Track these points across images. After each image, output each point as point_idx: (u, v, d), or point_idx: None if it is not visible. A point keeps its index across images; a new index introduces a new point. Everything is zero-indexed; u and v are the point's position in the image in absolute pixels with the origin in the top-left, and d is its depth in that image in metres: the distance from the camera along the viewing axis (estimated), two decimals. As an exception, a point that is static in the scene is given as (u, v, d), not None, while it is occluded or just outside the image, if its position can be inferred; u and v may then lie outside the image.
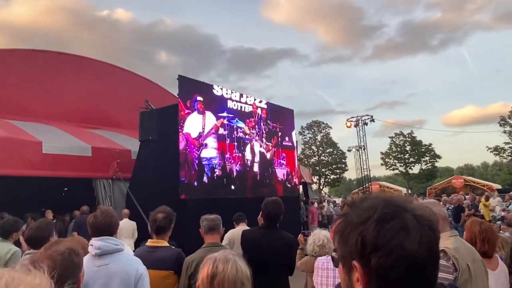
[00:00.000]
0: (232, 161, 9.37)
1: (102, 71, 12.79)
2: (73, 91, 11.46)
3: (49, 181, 9.19)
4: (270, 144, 10.94)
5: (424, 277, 0.78)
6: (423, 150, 42.13)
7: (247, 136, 10.03)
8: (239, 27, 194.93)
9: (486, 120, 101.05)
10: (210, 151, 8.72)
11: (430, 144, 42.42)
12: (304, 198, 15.76)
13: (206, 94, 8.96)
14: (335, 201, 20.05)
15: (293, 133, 12.41)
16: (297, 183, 12.61)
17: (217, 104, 9.23)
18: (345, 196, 26.10)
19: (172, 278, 3.03)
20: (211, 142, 8.82)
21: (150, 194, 7.80)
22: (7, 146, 7.80)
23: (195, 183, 8.23)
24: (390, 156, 43.52)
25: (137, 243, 7.06)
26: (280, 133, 11.46)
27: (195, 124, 8.45)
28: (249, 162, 9.99)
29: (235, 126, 9.63)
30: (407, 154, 42.63)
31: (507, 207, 13.00)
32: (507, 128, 35.92)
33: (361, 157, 26.92)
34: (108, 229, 2.51)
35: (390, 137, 44.38)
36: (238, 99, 9.93)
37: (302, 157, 43.06)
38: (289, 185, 11.58)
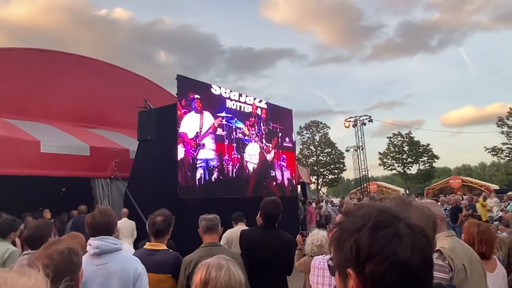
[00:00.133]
0: (231, 163, 9.17)
1: (100, 71, 12.75)
2: (71, 91, 11.43)
3: (47, 181, 9.16)
4: (270, 145, 10.77)
5: (418, 284, 0.79)
6: (421, 150, 42.23)
7: (246, 137, 9.87)
8: (238, 27, 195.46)
9: (484, 120, 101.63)
10: (207, 152, 8.57)
11: (428, 145, 42.57)
12: (302, 198, 15.76)
13: (205, 93, 8.86)
14: (332, 201, 20.07)
15: (293, 134, 12.40)
16: (295, 183, 12.61)
17: (215, 104, 9.10)
18: (343, 196, 26.14)
19: (169, 282, 3.02)
20: (209, 143, 8.66)
21: (148, 194, 7.80)
22: (5, 145, 7.77)
23: (192, 186, 8.07)
24: (388, 156, 43.63)
25: (136, 243, 7.05)
26: (280, 134, 11.31)
27: (192, 123, 8.32)
28: (248, 164, 9.79)
29: (234, 127, 9.49)
30: (405, 155, 42.74)
31: (506, 207, 13.03)
32: (505, 129, 36.03)
33: (359, 157, 26.98)
34: (107, 228, 2.51)
35: (388, 138, 44.58)
36: (237, 99, 9.81)
37: (300, 157, 43.11)
38: (289, 188, 11.51)
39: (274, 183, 10.75)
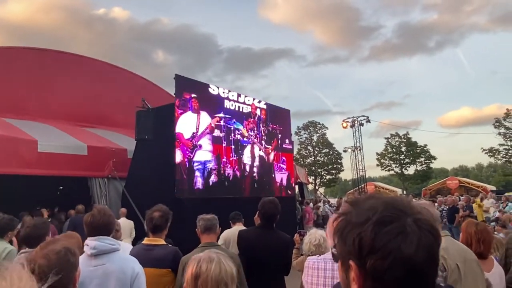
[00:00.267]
0: (229, 165, 9.00)
1: (98, 70, 12.71)
2: (69, 90, 11.39)
3: (44, 180, 9.13)
4: (269, 147, 10.62)
5: (422, 281, 0.78)
6: (418, 151, 42.32)
7: (245, 139, 9.71)
8: (237, 26, 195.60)
9: (481, 121, 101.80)
10: (204, 154, 8.43)
11: (426, 145, 42.68)
12: (299, 198, 15.76)
13: (203, 93, 8.78)
14: (329, 201, 20.08)
15: (291, 135, 12.38)
16: (293, 184, 12.61)
17: (213, 104, 9.00)
18: (341, 197, 26.12)
19: (169, 276, 3.03)
20: (206, 144, 8.51)
21: (146, 193, 7.78)
22: (2, 144, 7.74)
23: (189, 189, 7.99)
24: (386, 157, 43.68)
25: (134, 242, 7.04)
26: (280, 135, 11.17)
27: (188, 123, 8.21)
28: (247, 167, 9.63)
29: (232, 128, 9.34)
30: (403, 155, 42.82)
31: (503, 208, 13.06)
32: (502, 130, 36.11)
33: (356, 157, 26.95)
34: (106, 228, 2.50)
35: (385, 138, 44.64)
36: (235, 99, 9.69)
37: (298, 157, 43.11)
38: (287, 188, 11.47)
39: (273, 184, 10.68)
